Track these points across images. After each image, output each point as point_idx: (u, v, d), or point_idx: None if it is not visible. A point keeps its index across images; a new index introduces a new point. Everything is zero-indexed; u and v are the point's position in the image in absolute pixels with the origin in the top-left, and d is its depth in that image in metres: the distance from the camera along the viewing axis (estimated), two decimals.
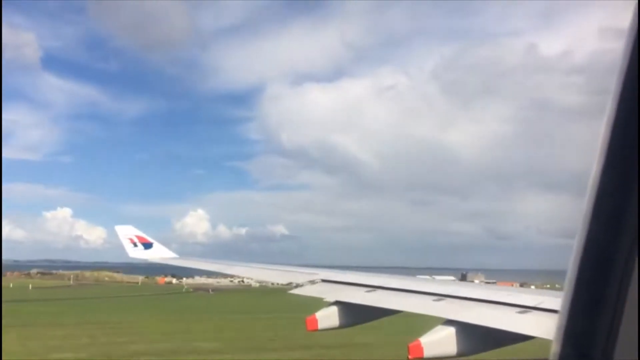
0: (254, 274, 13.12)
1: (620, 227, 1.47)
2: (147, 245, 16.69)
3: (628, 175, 1.44)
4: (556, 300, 7.07)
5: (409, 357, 7.28)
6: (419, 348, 7.20)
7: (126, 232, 16.88)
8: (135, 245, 16.58)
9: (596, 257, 1.54)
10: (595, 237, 1.52)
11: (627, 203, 1.46)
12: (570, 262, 1.62)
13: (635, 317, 1.46)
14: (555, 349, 1.65)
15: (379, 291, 9.33)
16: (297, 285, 10.76)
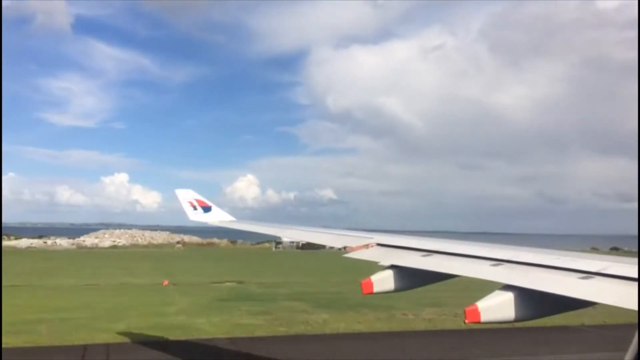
0: (308, 237, 13.29)
1: None
2: (206, 209, 17.20)
3: None
4: (621, 265, 6.83)
5: (466, 321, 7.26)
6: (476, 312, 7.15)
7: (186, 196, 17.42)
8: (195, 208, 17.12)
9: None
10: None
11: None
12: None
13: None
14: (634, 347, 1.54)
15: (435, 255, 9.27)
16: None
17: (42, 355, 21.76)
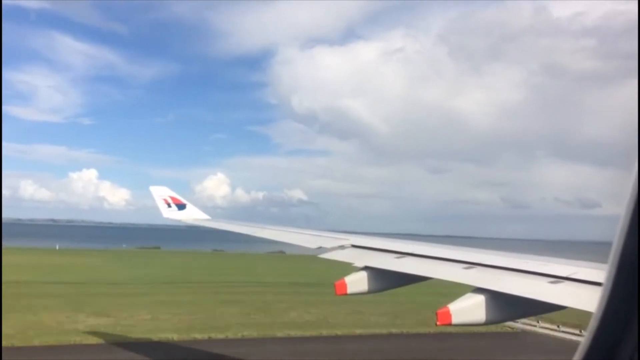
0: (285, 237, 13.25)
1: None
2: (181, 207, 17.02)
3: None
4: (589, 270, 6.96)
5: (437, 323, 7.31)
6: (448, 315, 7.22)
7: (161, 193, 17.22)
8: (169, 206, 16.93)
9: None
10: (638, 233, 1.41)
11: None
12: (610, 254, 1.51)
13: None
14: (582, 348, 1.56)
15: (409, 258, 9.32)
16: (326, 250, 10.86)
17: None
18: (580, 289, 6.62)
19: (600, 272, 6.88)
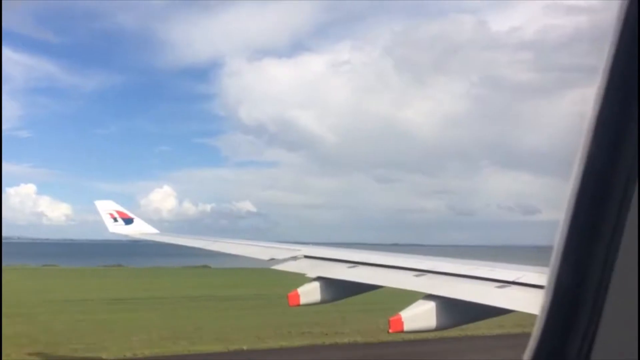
0: (237, 250, 13.13)
1: (602, 221, 1.43)
2: (128, 221, 16.57)
3: (621, 154, 1.40)
4: (535, 275, 7.22)
5: (390, 330, 7.41)
6: (400, 322, 7.33)
7: (106, 207, 16.72)
8: (115, 220, 16.46)
9: (578, 256, 1.51)
10: (577, 235, 1.48)
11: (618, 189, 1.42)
12: (552, 256, 1.59)
13: (614, 317, 1.44)
14: (531, 346, 1.63)
15: (361, 267, 9.41)
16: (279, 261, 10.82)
17: None
18: (525, 293, 6.86)
19: (544, 276, 7.15)
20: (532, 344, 1.61)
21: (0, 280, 29.51)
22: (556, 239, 1.55)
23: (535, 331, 1.61)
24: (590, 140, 1.44)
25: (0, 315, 22.06)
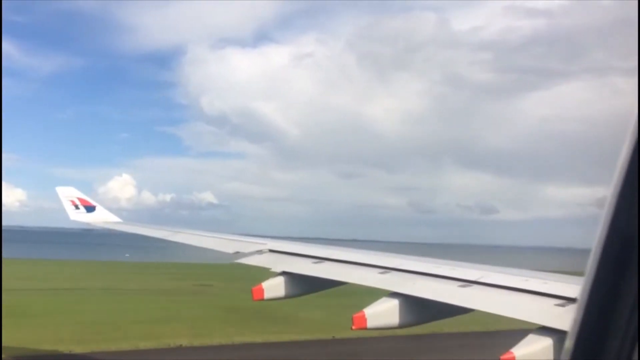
0: (200, 241, 12.96)
1: None
2: (90, 209, 16.17)
3: None
4: (495, 275, 7.35)
5: (353, 327, 7.43)
6: (363, 319, 7.36)
7: (68, 194, 16.26)
8: (77, 207, 16.03)
9: (618, 256, 1.51)
10: (616, 236, 1.49)
11: None
12: (590, 257, 1.58)
13: None
14: (567, 346, 1.62)
15: (326, 263, 9.41)
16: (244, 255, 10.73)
17: None
18: (487, 292, 6.98)
19: (506, 276, 7.30)
20: (568, 344, 1.62)
21: (1, 274, 28.29)
22: (595, 237, 1.56)
23: (572, 331, 1.61)
24: (633, 144, 1.44)
25: (0, 314, 21.14)
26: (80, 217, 16.07)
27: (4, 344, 21.51)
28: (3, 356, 20.16)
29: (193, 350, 24.53)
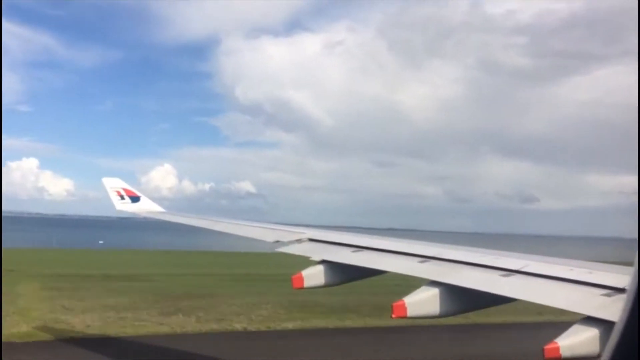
0: (241, 231, 13.17)
1: None
2: (135, 199, 16.63)
3: None
4: (539, 264, 7.25)
5: (393, 315, 7.45)
6: (403, 307, 7.37)
7: (113, 184, 16.77)
8: (122, 198, 16.52)
9: None
10: None
11: None
12: (636, 253, 1.56)
13: None
14: (610, 345, 1.61)
15: (365, 251, 9.45)
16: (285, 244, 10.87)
17: None
18: (530, 282, 6.89)
19: (549, 266, 7.19)
20: (611, 342, 1.60)
21: (1, 269, 29.47)
22: None
23: (620, 321, 1.59)
24: None
25: (0, 313, 21.99)
26: (126, 207, 16.56)
27: None
28: None
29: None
